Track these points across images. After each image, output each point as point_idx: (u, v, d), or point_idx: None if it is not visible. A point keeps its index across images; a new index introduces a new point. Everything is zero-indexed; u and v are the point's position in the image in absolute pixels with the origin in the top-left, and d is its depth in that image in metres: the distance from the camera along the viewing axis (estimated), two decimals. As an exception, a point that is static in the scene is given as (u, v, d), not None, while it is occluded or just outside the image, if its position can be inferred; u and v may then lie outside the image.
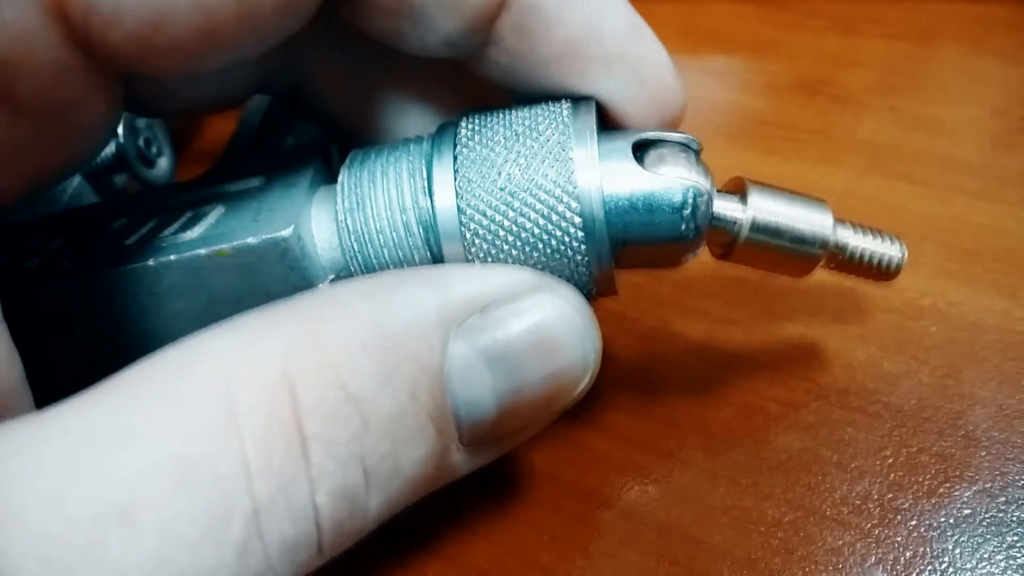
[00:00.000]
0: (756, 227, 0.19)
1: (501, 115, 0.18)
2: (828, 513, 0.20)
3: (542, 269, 0.17)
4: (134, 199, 0.21)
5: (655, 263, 0.18)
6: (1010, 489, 0.20)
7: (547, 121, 0.17)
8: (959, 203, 0.27)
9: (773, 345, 0.24)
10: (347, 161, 0.19)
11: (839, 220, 0.20)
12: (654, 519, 0.21)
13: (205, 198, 0.20)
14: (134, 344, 0.19)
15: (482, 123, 0.18)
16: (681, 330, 0.25)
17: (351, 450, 0.14)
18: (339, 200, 0.18)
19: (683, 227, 0.17)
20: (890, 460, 0.21)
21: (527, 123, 0.18)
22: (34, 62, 0.14)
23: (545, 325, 0.16)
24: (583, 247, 0.17)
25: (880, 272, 0.20)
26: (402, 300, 0.15)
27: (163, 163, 0.34)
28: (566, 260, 0.17)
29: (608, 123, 0.19)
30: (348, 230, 0.18)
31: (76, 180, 0.30)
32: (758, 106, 0.31)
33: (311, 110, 0.22)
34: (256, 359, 0.14)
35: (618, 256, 0.18)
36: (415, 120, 0.21)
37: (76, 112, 0.16)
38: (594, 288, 0.18)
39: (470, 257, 0.17)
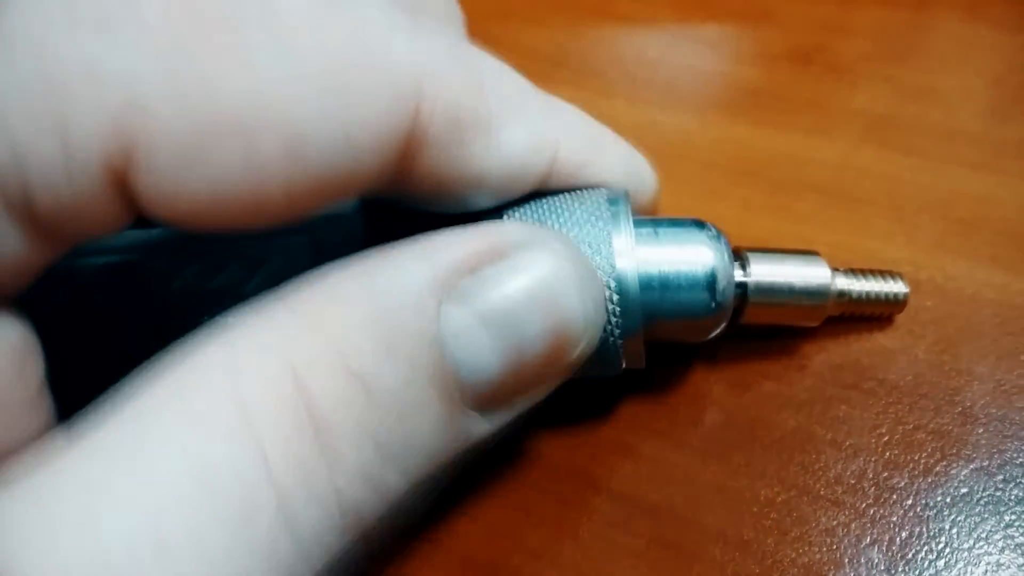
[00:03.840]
0: (760, 290, 0.20)
1: (542, 204, 0.19)
2: (822, 493, 0.20)
3: None
4: (169, 237, 0.20)
5: (683, 336, 0.20)
6: (1008, 467, 0.20)
7: (587, 210, 0.19)
8: (956, 174, 0.26)
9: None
10: None
11: (836, 269, 0.21)
12: (645, 500, 0.20)
13: (249, 249, 0.20)
14: None
15: (526, 212, 0.19)
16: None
17: (362, 428, 0.14)
18: None
19: (710, 303, 0.19)
20: (885, 438, 0.21)
21: (568, 212, 0.19)
22: (83, 218, 0.14)
23: (539, 280, 0.16)
24: (619, 324, 0.19)
25: (887, 307, 0.22)
26: (393, 273, 0.15)
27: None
28: (603, 335, 0.18)
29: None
30: None
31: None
32: (751, 76, 0.31)
33: None
34: (259, 355, 0.14)
35: (649, 331, 0.19)
36: None
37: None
38: (624, 360, 0.20)
39: None
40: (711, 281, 0.19)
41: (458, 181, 0.17)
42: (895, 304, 0.22)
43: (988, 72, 0.29)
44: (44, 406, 0.15)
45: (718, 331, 0.20)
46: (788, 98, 0.30)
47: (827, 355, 0.22)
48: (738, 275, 0.20)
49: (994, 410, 0.21)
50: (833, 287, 0.21)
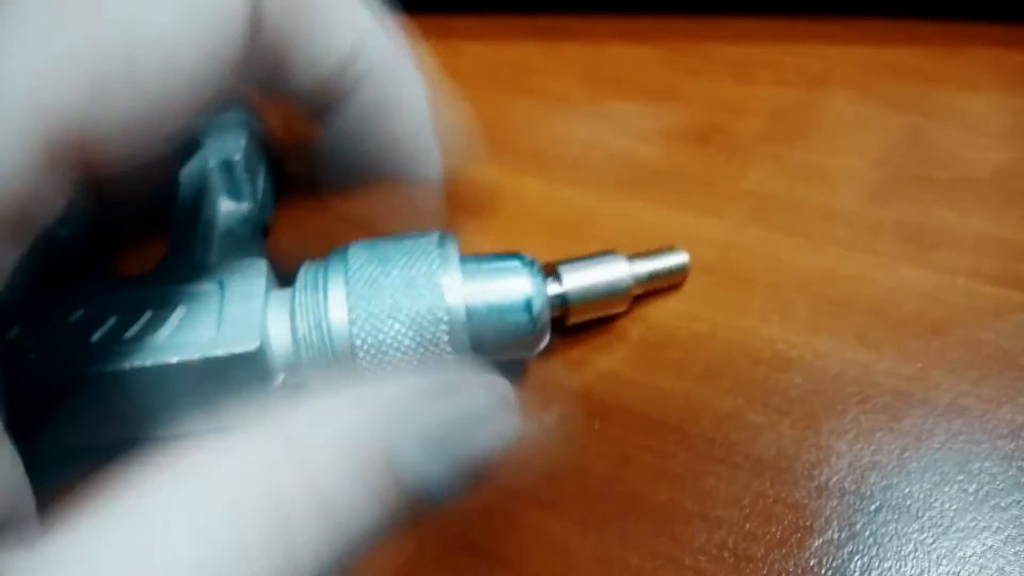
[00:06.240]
0: (576, 297, 0.25)
1: (382, 246, 0.22)
2: (687, 562, 0.22)
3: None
4: (88, 290, 0.22)
5: (514, 354, 0.23)
6: (855, 540, 0.22)
7: (419, 250, 0.22)
8: (832, 254, 0.28)
9: (647, 397, 0.25)
10: (299, 281, 0.22)
11: (631, 257, 0.26)
12: (527, 569, 0.22)
13: (162, 298, 0.22)
14: (99, 433, 0.21)
15: (367, 254, 0.22)
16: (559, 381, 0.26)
17: (320, 531, 0.16)
18: (299, 319, 0.22)
19: (530, 324, 0.22)
20: (747, 510, 0.22)
21: (403, 253, 0.22)
22: (37, 203, 0.16)
23: (466, 414, 0.19)
24: (451, 352, 0.21)
25: (677, 277, 0.27)
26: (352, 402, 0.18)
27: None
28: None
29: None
30: (306, 345, 0.21)
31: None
32: (653, 154, 0.32)
33: None
34: (245, 478, 0.16)
35: (481, 353, 0.22)
36: None
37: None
38: None
39: (360, 364, 0.21)
40: (528, 305, 0.22)
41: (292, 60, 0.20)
42: (682, 273, 0.27)
43: (870, 152, 0.31)
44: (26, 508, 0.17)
45: (542, 345, 0.23)
46: (685, 177, 0.31)
47: (702, 429, 0.24)
48: (556, 288, 0.25)
49: (847, 485, 0.23)
50: (632, 276, 0.26)
